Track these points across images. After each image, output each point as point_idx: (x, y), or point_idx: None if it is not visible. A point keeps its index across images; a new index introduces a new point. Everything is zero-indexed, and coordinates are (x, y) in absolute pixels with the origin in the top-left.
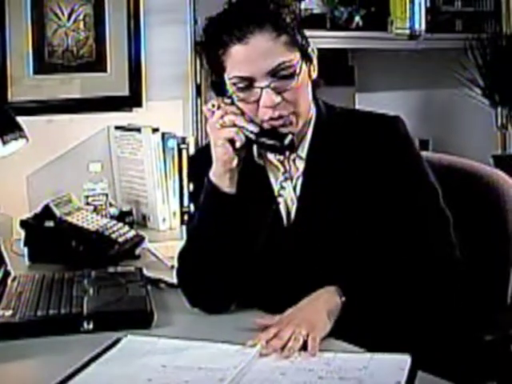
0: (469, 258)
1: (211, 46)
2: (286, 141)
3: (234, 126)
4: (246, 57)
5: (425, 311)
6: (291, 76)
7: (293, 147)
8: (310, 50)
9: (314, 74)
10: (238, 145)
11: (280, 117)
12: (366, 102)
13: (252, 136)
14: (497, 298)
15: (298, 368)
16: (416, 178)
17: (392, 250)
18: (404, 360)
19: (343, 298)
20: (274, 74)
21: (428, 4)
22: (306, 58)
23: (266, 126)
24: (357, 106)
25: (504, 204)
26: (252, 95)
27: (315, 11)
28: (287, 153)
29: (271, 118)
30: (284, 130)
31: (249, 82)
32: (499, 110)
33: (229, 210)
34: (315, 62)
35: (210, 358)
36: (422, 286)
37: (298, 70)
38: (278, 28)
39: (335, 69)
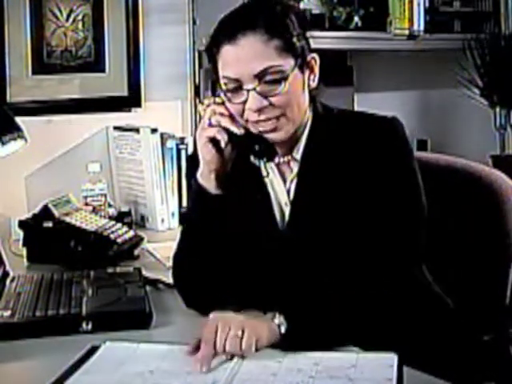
0: (467, 259)
1: (209, 45)
2: (265, 147)
3: (220, 126)
4: (234, 57)
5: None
6: (279, 81)
7: (273, 155)
8: (310, 58)
9: (314, 83)
10: (222, 144)
11: (267, 119)
12: (365, 102)
13: (235, 138)
14: (496, 298)
15: (287, 368)
16: (403, 190)
17: (362, 254)
18: (391, 358)
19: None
20: (261, 77)
21: (427, 4)
22: (304, 65)
23: (251, 128)
24: (356, 107)
25: (502, 204)
26: (239, 97)
27: (314, 11)
28: (265, 159)
29: (258, 121)
30: (272, 136)
31: (238, 84)
32: (498, 110)
33: (215, 210)
34: (316, 70)
35: None
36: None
37: (287, 76)
38: (272, 31)
39: (334, 69)
